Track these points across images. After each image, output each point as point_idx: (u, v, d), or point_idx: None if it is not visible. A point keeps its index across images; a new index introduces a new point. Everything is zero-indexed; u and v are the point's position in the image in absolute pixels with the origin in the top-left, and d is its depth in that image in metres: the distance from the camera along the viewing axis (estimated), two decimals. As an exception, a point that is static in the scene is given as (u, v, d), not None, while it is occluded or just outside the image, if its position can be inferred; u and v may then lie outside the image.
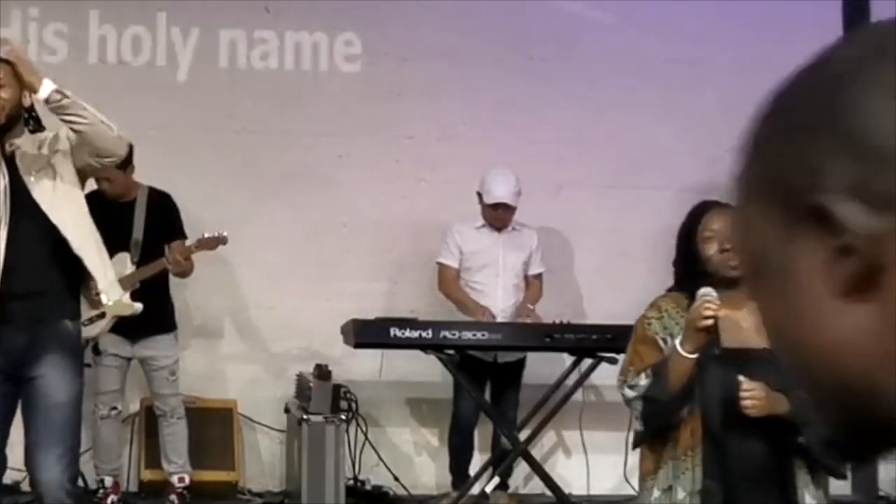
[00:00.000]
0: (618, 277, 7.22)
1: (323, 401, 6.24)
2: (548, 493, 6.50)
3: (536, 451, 6.69)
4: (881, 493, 7.31)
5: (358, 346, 6.21)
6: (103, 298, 4.53)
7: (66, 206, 4.46)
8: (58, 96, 4.34)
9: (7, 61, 4.52)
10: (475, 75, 7.41)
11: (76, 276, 4.48)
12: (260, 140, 7.23)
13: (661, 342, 3.63)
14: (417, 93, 7.37)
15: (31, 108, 4.62)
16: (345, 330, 6.31)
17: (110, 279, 4.59)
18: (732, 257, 3.54)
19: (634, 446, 3.80)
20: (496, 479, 6.42)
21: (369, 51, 7.37)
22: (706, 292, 3.49)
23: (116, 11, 6.98)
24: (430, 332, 6.13)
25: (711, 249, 3.60)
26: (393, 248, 7.29)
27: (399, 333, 6.10)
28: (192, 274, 6.39)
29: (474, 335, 6.17)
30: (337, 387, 6.34)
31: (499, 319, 6.58)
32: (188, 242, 6.25)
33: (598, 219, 7.41)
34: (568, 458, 7.28)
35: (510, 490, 6.80)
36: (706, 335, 3.47)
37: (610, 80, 7.49)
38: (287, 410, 6.69)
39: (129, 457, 6.82)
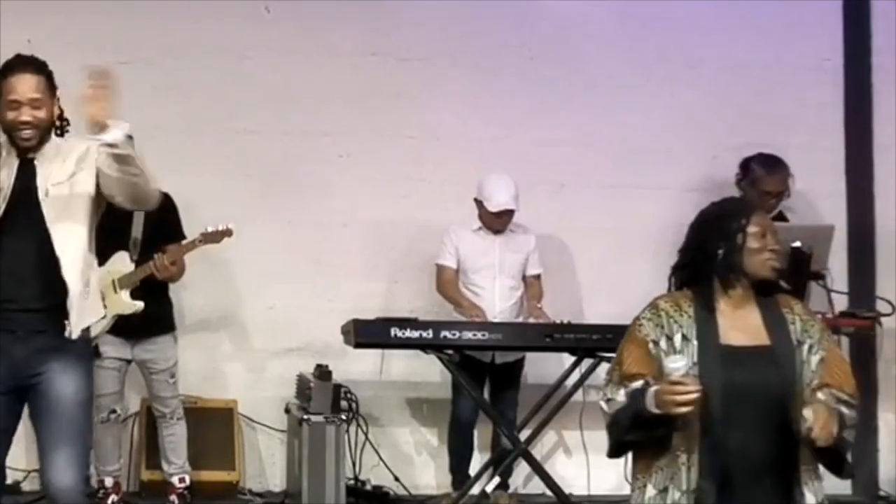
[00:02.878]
0: (618, 277, 7.21)
1: (323, 401, 6.24)
2: (548, 493, 6.50)
3: (537, 451, 6.69)
4: (881, 493, 7.31)
5: (358, 346, 6.22)
6: (69, 327, 4.20)
7: (70, 226, 4.22)
8: (123, 149, 4.11)
9: (44, 72, 4.28)
10: (475, 75, 7.41)
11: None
12: (260, 140, 7.23)
13: (651, 346, 3.53)
14: (417, 93, 7.37)
15: (61, 115, 4.37)
16: (345, 330, 6.31)
17: (89, 309, 4.29)
18: (776, 259, 3.56)
19: (610, 456, 3.71)
20: (496, 479, 6.42)
21: (369, 51, 7.37)
22: (676, 368, 3.39)
23: (116, 10, 6.98)
24: (430, 332, 6.14)
25: (758, 244, 3.53)
26: (392, 248, 7.29)
27: (399, 333, 6.11)
28: (181, 278, 6.36)
29: (474, 335, 6.17)
30: (337, 387, 6.34)
31: (497, 320, 6.58)
32: (192, 238, 6.21)
33: (598, 219, 7.40)
34: (568, 458, 7.28)
35: (510, 490, 6.80)
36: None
37: (610, 80, 7.49)
38: (287, 410, 6.69)
39: (130, 457, 6.80)
